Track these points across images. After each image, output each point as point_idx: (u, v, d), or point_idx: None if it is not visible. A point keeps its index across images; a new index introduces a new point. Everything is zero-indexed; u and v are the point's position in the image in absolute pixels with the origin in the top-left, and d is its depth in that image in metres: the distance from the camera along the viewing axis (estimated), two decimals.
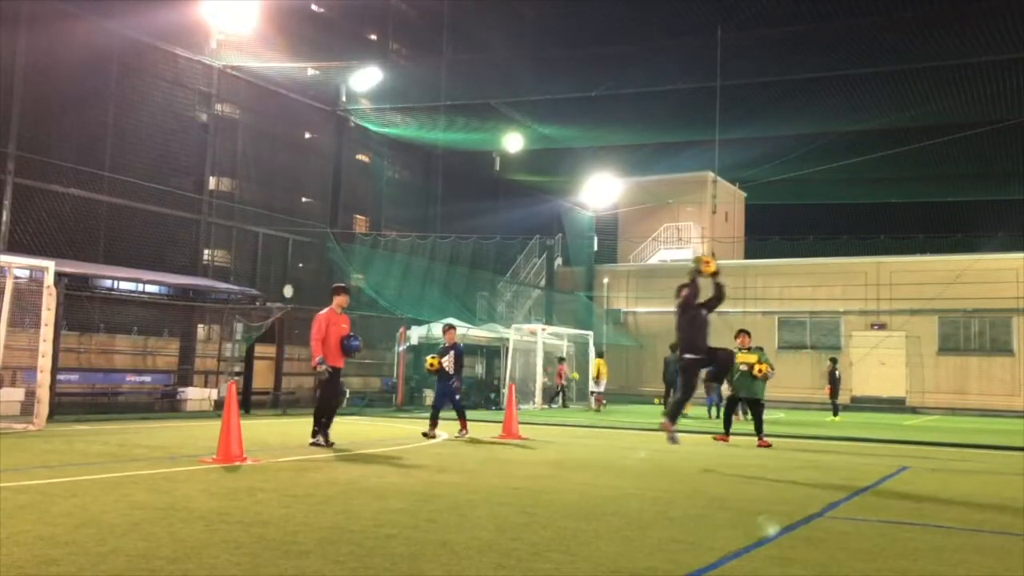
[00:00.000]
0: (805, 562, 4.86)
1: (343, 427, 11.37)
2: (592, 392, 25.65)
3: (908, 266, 31.89)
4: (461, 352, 13.19)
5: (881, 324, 32.09)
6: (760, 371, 12.99)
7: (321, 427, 10.98)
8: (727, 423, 14.10)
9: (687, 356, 10.09)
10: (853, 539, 5.60)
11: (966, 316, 31.02)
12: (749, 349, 13.65)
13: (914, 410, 30.07)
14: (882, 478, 9.29)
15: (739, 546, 5.23)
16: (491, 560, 4.66)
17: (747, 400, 13.80)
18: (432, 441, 12.30)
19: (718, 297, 10.09)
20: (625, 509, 6.58)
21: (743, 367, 13.20)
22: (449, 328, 13.63)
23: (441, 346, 13.46)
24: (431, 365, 12.92)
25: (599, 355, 27.00)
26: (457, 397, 13.03)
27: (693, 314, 10.12)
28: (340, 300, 11.37)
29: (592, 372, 25.96)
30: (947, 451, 13.54)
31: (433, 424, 12.86)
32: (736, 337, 13.96)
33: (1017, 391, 29.90)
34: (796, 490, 8.07)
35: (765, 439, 13.18)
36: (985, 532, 6.10)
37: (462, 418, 13.09)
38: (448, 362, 12.92)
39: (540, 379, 24.81)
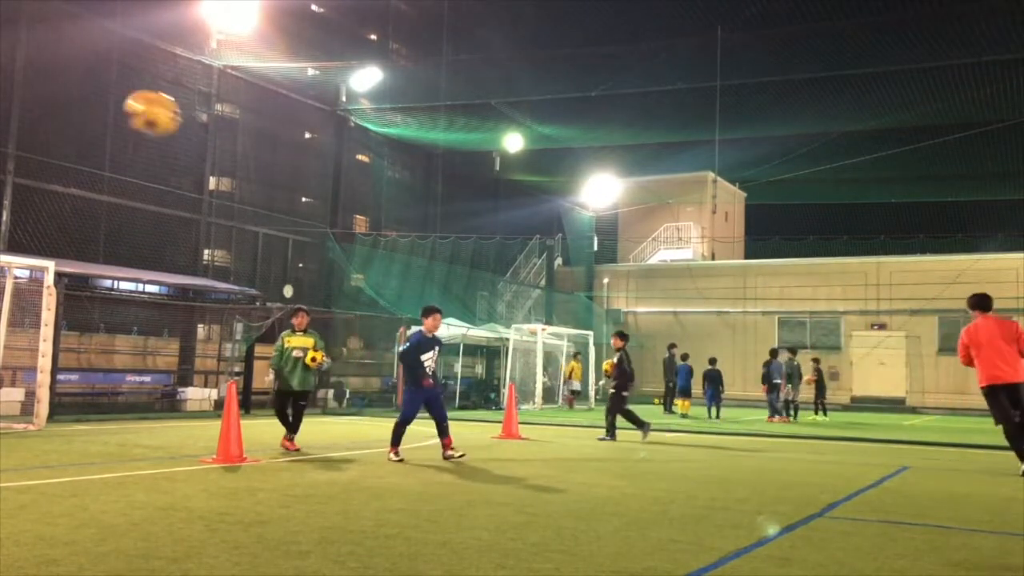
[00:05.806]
0: (805, 562, 4.86)
1: (343, 427, 11.34)
2: (569, 391, 26.19)
3: (908, 266, 31.86)
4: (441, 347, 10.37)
5: (881, 324, 32.07)
6: (314, 360, 10.45)
7: None
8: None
9: None
10: (853, 539, 5.59)
11: (966, 316, 30.90)
12: (305, 331, 10.78)
13: (914, 410, 30.03)
14: (882, 478, 9.29)
15: (739, 546, 5.23)
16: (491, 560, 4.66)
17: (297, 393, 10.61)
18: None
19: None
20: (625, 509, 6.58)
21: (297, 352, 10.49)
22: (434, 312, 10.04)
23: (420, 334, 9.93)
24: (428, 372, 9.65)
25: (574, 356, 27.16)
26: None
27: None
28: None
29: (565, 372, 26.43)
30: (947, 451, 13.53)
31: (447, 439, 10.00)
32: (293, 316, 10.96)
33: None
34: (796, 490, 8.07)
35: (293, 441, 10.46)
36: (985, 532, 6.09)
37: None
38: (432, 360, 9.75)
39: (540, 379, 24.81)
